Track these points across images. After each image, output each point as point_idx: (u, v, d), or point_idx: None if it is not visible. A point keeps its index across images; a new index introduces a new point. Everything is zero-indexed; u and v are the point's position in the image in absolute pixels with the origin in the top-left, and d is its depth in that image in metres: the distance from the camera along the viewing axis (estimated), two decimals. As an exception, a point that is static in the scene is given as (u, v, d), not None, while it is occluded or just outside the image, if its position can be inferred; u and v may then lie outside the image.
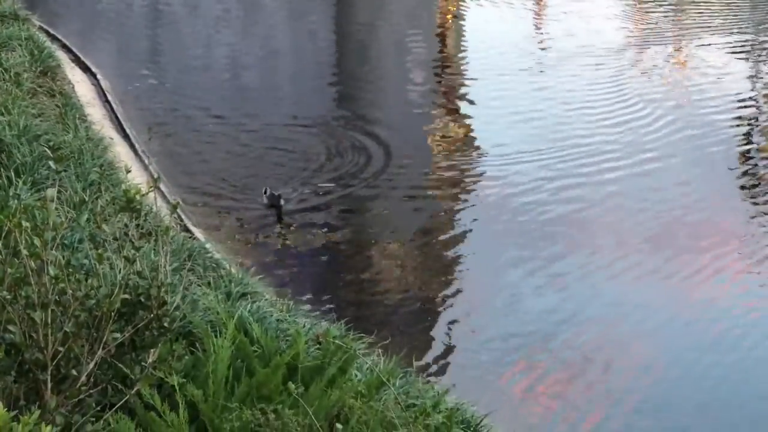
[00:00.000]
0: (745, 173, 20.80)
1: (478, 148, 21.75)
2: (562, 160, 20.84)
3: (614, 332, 15.01)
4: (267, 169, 20.01)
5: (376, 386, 7.37)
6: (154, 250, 8.88)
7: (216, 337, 7.55)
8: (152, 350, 6.95)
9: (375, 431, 6.03)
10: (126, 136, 18.64)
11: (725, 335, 14.87)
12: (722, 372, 13.91)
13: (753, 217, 18.99)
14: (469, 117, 23.69)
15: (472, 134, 22.49)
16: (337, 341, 7.86)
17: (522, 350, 14.60)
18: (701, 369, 14.03)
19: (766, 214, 18.97)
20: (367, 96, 24.81)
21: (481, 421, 9.72)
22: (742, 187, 20.22)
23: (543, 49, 28.23)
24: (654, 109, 23.24)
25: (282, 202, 17.86)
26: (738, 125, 22.64)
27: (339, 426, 6.27)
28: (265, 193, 17.91)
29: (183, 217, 15.06)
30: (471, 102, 24.46)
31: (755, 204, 19.56)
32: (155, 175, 14.49)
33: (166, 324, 6.96)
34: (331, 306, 14.96)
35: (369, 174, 20.73)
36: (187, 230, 14.35)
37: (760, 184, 20.17)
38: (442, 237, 17.50)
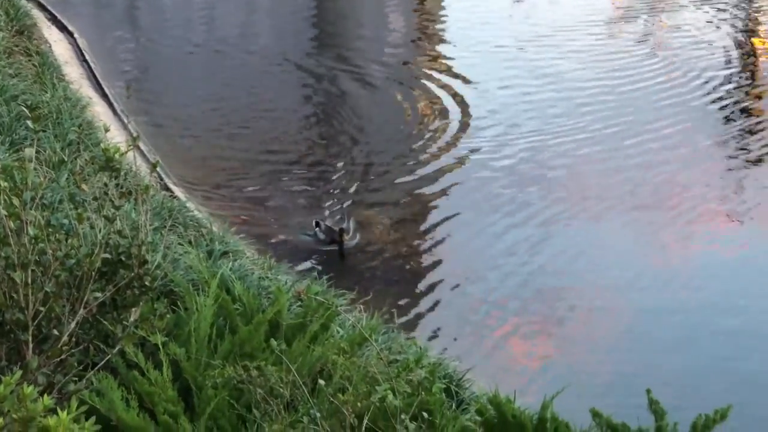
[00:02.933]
0: (725, 127, 20.86)
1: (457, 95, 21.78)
2: (538, 117, 20.91)
3: (591, 284, 15.10)
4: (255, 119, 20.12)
5: (358, 342, 7.40)
6: (135, 209, 8.85)
7: (198, 295, 7.54)
8: (134, 309, 6.95)
9: (358, 387, 6.04)
10: (104, 95, 18.55)
11: (692, 282, 15.06)
12: (687, 317, 14.09)
13: (730, 170, 19.05)
14: (451, 59, 23.70)
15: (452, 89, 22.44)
16: (318, 298, 7.87)
17: (503, 306, 14.67)
18: (669, 315, 14.21)
19: (742, 167, 19.04)
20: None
21: (463, 375, 9.77)
22: (722, 142, 20.27)
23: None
24: (636, 72, 23.20)
25: (346, 237, 15.87)
26: (719, 86, 22.65)
27: (322, 382, 6.28)
28: (318, 227, 16.07)
29: (163, 175, 15.03)
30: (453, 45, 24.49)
31: (731, 158, 19.63)
32: (134, 134, 14.43)
33: (147, 283, 6.95)
34: (313, 264, 15.04)
35: (348, 121, 20.82)
36: (168, 189, 14.32)
37: (739, 139, 20.23)
38: (422, 197, 17.52)
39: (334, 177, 17.96)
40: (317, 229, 15.82)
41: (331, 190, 17.50)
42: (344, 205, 16.92)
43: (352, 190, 17.52)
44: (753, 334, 13.77)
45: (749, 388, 12.47)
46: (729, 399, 8.70)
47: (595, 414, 6.98)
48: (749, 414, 10.78)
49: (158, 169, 12.74)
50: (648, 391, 6.93)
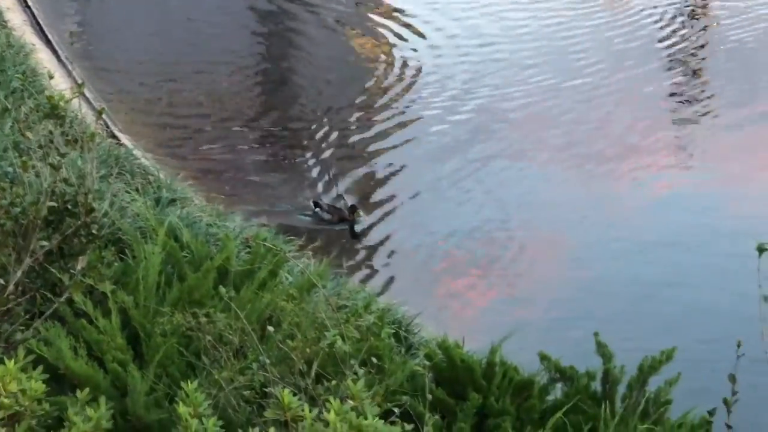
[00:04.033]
0: (671, 76, 20.96)
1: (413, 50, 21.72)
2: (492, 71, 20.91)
3: (538, 230, 15.20)
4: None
5: (307, 288, 7.39)
6: (81, 157, 8.78)
7: (146, 243, 7.51)
8: (81, 257, 6.90)
9: (307, 333, 6.05)
10: (48, 42, 18.31)
11: (635, 224, 15.23)
12: (632, 259, 14.26)
13: (674, 117, 19.17)
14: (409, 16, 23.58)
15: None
16: (267, 244, 7.86)
17: (451, 253, 14.74)
18: (614, 258, 14.37)
19: (686, 115, 19.17)
20: None
21: (412, 320, 9.81)
22: (668, 91, 20.38)
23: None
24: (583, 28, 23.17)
25: (360, 214, 15.11)
26: (665, 38, 22.70)
27: (271, 328, 6.28)
28: (318, 207, 15.32)
29: (109, 122, 14.89)
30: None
31: (676, 105, 19.74)
32: (79, 81, 14.27)
33: (94, 231, 6.91)
34: (264, 209, 14.99)
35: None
36: (114, 136, 14.20)
37: (684, 88, 20.36)
38: (374, 151, 17.49)
39: (288, 135, 17.84)
40: (317, 209, 15.23)
41: (285, 151, 17.36)
42: (331, 171, 16.64)
43: (310, 146, 17.39)
44: (697, 269, 13.94)
45: (692, 323, 12.63)
46: (673, 338, 8.82)
47: (544, 357, 7.04)
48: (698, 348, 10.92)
49: (104, 116, 12.63)
50: (596, 334, 6.99)
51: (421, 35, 22.37)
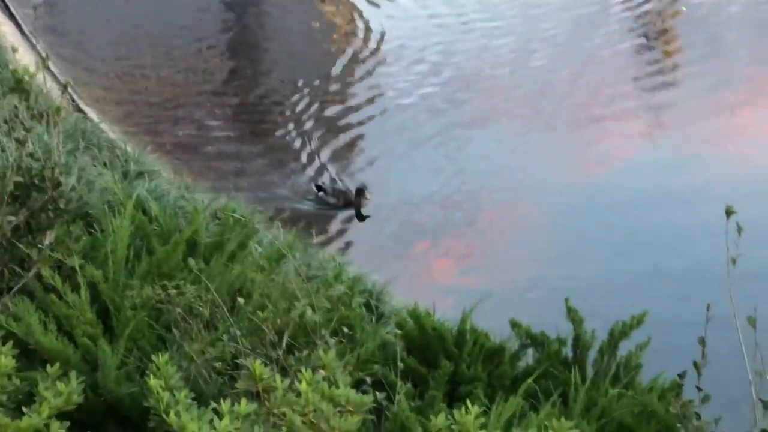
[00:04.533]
0: (639, 47, 21.01)
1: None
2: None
3: (508, 198, 15.25)
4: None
5: (276, 259, 7.37)
6: (47, 131, 8.72)
7: (114, 217, 7.46)
8: (49, 232, 6.86)
9: (277, 303, 6.03)
10: (11, 16, 18.17)
11: (604, 190, 15.32)
12: (603, 226, 14.34)
13: (636, 89, 19.22)
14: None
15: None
16: (235, 215, 7.82)
17: (422, 222, 14.78)
18: (584, 226, 14.46)
19: (653, 83, 19.23)
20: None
21: (382, 289, 9.83)
22: (636, 60, 20.41)
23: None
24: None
25: (367, 196, 14.85)
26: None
27: (241, 300, 6.27)
28: (321, 191, 15.02)
29: (75, 96, 14.80)
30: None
31: (645, 73, 19.79)
32: (44, 55, 14.16)
33: (62, 205, 6.86)
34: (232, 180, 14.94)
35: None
36: (80, 110, 14.12)
37: (651, 59, 20.42)
38: (345, 125, 17.47)
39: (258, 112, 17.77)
40: (321, 193, 14.96)
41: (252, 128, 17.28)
42: (315, 148, 16.44)
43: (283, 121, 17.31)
44: (662, 232, 14.03)
45: (660, 286, 12.70)
46: (643, 300, 8.86)
47: (514, 324, 7.06)
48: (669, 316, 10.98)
49: (69, 90, 12.55)
50: (566, 300, 7.01)
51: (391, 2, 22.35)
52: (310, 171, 15.82)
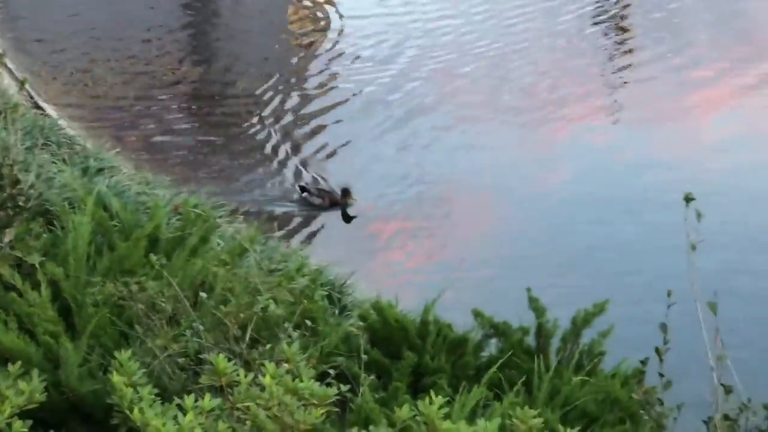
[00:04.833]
0: (600, 34, 21.08)
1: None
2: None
3: (471, 189, 15.28)
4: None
5: (238, 253, 7.36)
6: (4, 128, 8.66)
7: (74, 213, 7.42)
8: (8, 230, 6.82)
9: (240, 298, 6.02)
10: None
11: (561, 181, 15.39)
12: (564, 217, 14.40)
13: (599, 78, 19.28)
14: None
15: None
16: (196, 210, 7.80)
17: (385, 213, 14.76)
18: (547, 216, 14.52)
19: (615, 71, 19.31)
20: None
21: (345, 281, 9.82)
22: (597, 48, 20.50)
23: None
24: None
25: (353, 197, 14.55)
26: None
27: (203, 294, 6.25)
28: (305, 191, 14.70)
29: (33, 93, 14.70)
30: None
31: (606, 62, 19.87)
32: (0, 51, 14.05)
33: (21, 203, 6.83)
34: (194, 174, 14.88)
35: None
36: (38, 107, 14.02)
37: (612, 45, 20.50)
38: (308, 116, 17.44)
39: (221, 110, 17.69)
40: (305, 194, 14.68)
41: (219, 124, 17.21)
42: (284, 144, 16.27)
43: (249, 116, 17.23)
44: (627, 223, 14.10)
45: (624, 274, 12.78)
46: (606, 289, 8.90)
47: (477, 314, 7.07)
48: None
49: (27, 86, 12.47)
50: (528, 290, 7.03)
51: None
52: (284, 169, 15.72)
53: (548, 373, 6.43)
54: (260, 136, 16.61)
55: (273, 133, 16.60)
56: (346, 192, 14.51)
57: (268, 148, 16.27)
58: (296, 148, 16.31)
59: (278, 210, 14.50)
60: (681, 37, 20.39)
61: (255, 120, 17.06)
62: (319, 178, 15.09)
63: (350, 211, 14.53)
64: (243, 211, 12.83)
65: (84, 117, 16.28)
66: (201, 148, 16.36)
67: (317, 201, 14.56)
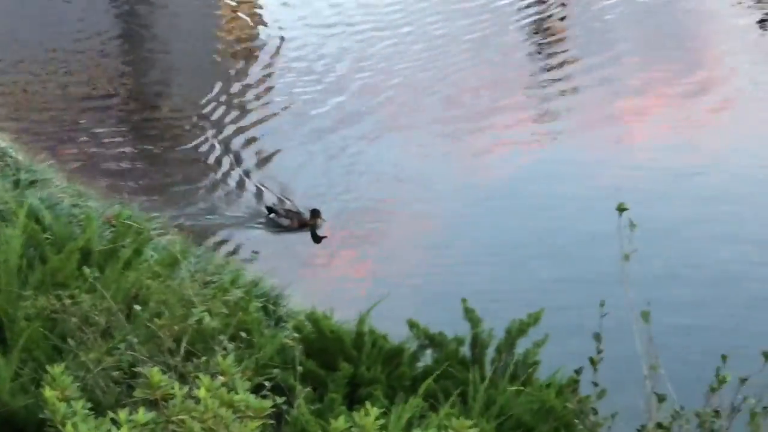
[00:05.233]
0: (531, 43, 21.21)
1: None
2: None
3: (407, 199, 15.31)
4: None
5: (171, 264, 7.32)
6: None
7: (5, 226, 7.35)
8: (-62, 243, 6.74)
9: (174, 310, 5.99)
10: None
11: (502, 189, 15.46)
12: (501, 225, 14.44)
13: (534, 85, 19.39)
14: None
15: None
16: (129, 222, 7.75)
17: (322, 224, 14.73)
18: (483, 225, 14.57)
19: (547, 81, 19.43)
20: None
21: (280, 293, 9.80)
22: (529, 56, 20.61)
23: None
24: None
25: (321, 218, 14.35)
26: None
27: (137, 307, 6.21)
28: (273, 212, 14.48)
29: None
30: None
31: (538, 71, 19.99)
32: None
33: (-51, 216, 6.74)
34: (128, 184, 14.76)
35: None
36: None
37: (543, 55, 20.63)
38: (246, 128, 17.38)
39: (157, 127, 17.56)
40: (273, 215, 14.47)
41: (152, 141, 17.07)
42: (243, 170, 16.09)
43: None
44: (565, 232, 14.18)
45: (560, 285, 12.84)
46: (541, 300, 8.94)
47: (413, 325, 7.07)
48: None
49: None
50: (463, 301, 7.04)
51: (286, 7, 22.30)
52: (223, 182, 15.62)
53: (483, 384, 6.44)
54: (197, 149, 16.54)
55: (210, 145, 16.53)
56: (315, 213, 14.38)
57: (205, 161, 16.21)
58: (233, 161, 16.25)
59: (245, 232, 14.32)
60: (614, 47, 20.56)
61: (190, 132, 16.98)
62: (285, 199, 14.92)
63: (319, 232, 14.39)
64: (189, 225, 12.75)
65: (15, 129, 16.11)
66: (136, 160, 16.25)
67: (285, 222, 14.38)
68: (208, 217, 14.50)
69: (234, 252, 13.67)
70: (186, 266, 7.08)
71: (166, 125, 17.49)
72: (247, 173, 15.89)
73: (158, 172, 16.00)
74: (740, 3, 22.68)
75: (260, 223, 14.54)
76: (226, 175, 15.83)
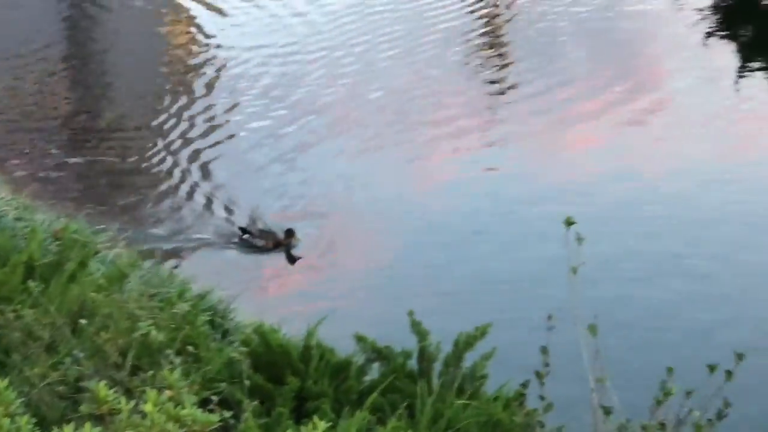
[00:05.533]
0: (478, 56, 21.30)
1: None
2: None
3: (355, 211, 15.32)
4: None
5: (117, 278, 7.27)
6: None
7: (-52, 239, 7.28)
8: None
9: (120, 324, 5.95)
10: None
11: (450, 203, 15.51)
12: (449, 239, 14.46)
13: (481, 98, 19.48)
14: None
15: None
16: (75, 236, 7.69)
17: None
18: (431, 241, 14.60)
19: (494, 93, 19.53)
20: None
21: (228, 306, 9.76)
22: (474, 70, 20.70)
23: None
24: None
25: (296, 238, 14.20)
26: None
27: (83, 321, 6.16)
28: (247, 233, 14.32)
29: None
30: None
31: (484, 84, 20.06)
32: None
33: None
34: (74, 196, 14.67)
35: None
36: None
37: (489, 68, 20.72)
38: (193, 143, 17.33)
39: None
40: (247, 235, 14.29)
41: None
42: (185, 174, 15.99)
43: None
44: (508, 244, 14.25)
45: (504, 297, 12.89)
46: (487, 313, 8.96)
47: (360, 338, 7.06)
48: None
49: None
50: (410, 313, 7.04)
51: (225, 17, 22.27)
52: (172, 201, 15.54)
53: (431, 397, 6.45)
54: (146, 163, 16.47)
55: (162, 166, 16.48)
56: (289, 232, 14.24)
57: (154, 180, 16.15)
58: (182, 182, 16.21)
59: (219, 252, 14.20)
60: (558, 65, 20.70)
61: (137, 146, 16.93)
62: (258, 219, 14.78)
63: (294, 252, 14.30)
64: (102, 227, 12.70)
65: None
66: (85, 174, 16.18)
67: (260, 243, 14.24)
68: (178, 239, 14.41)
69: (180, 265, 13.62)
70: (133, 280, 7.03)
71: (114, 139, 17.41)
72: (197, 187, 15.88)
73: (106, 185, 15.93)
74: (686, 18, 22.90)
75: (234, 243, 14.41)
76: (190, 193, 15.79)
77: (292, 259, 14.22)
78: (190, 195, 15.59)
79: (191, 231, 14.61)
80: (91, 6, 22.84)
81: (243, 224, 14.59)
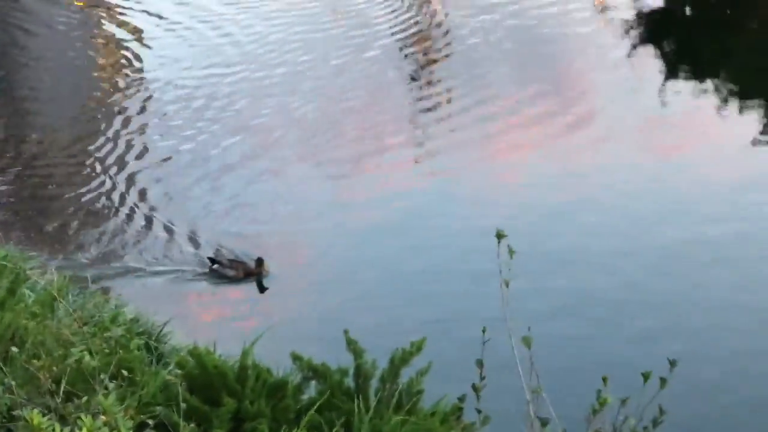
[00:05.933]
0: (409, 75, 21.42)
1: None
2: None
3: (290, 230, 15.32)
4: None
5: (49, 304, 7.19)
6: None
7: None
8: None
9: (53, 350, 5.89)
10: None
11: (386, 223, 15.56)
12: (385, 257, 14.47)
13: (406, 119, 19.56)
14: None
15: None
16: (4, 262, 7.60)
17: (201, 257, 14.66)
18: (367, 257, 14.62)
19: (425, 113, 19.63)
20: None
21: (161, 329, 9.69)
22: (408, 91, 20.78)
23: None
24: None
25: (266, 267, 14.10)
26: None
27: (14, 349, 6.09)
28: (217, 263, 14.16)
29: None
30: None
31: (416, 102, 20.16)
32: None
33: None
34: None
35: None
36: None
37: (421, 87, 20.82)
38: (127, 165, 17.25)
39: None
40: (217, 265, 14.15)
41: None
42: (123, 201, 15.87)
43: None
44: (443, 258, 14.31)
45: (441, 314, 12.93)
46: (423, 329, 8.98)
47: (296, 357, 7.04)
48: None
49: None
50: (345, 332, 7.03)
51: (148, 45, 22.22)
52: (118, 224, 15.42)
53: (368, 414, 6.44)
54: (78, 194, 16.36)
55: (91, 191, 16.36)
56: (260, 261, 14.14)
57: (83, 206, 16.04)
58: (111, 206, 16.11)
59: (151, 277, 14.09)
60: (491, 81, 20.84)
61: (67, 179, 16.83)
62: (225, 249, 14.64)
63: (265, 282, 14.18)
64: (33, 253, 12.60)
65: None
66: (17, 204, 16.04)
67: (231, 273, 14.14)
68: (109, 264, 14.30)
69: (112, 290, 13.52)
70: (64, 305, 6.95)
71: (42, 165, 17.28)
72: (129, 211, 15.82)
73: (35, 211, 15.81)
74: (614, 29, 23.15)
75: (203, 274, 14.28)
76: (121, 217, 15.73)
77: (262, 288, 14.13)
78: (122, 219, 15.52)
79: (122, 256, 14.54)
80: (17, 30, 22.66)
81: (210, 254, 14.45)
